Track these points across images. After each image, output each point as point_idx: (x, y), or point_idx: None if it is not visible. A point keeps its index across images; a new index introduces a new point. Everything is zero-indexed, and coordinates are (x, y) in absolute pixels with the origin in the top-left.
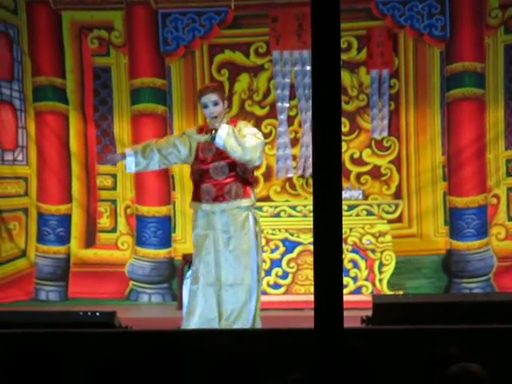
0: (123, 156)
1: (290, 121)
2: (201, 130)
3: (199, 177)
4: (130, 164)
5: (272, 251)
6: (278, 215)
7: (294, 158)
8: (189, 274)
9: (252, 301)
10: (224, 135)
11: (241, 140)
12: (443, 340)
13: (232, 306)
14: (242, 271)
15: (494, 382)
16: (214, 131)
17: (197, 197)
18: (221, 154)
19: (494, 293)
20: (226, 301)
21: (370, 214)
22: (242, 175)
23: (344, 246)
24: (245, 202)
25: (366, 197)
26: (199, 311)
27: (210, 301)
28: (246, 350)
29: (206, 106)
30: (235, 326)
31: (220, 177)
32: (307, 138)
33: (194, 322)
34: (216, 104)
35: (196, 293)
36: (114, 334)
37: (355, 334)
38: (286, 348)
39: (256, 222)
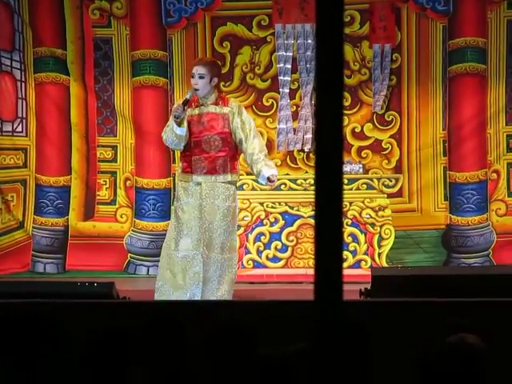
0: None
1: (292, 94)
2: (190, 104)
3: (191, 148)
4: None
5: (271, 224)
6: (278, 188)
7: (295, 131)
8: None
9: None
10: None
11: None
12: (441, 312)
13: (228, 269)
14: (233, 239)
15: (492, 353)
16: (185, 100)
17: (189, 168)
18: (212, 128)
19: (491, 266)
20: (222, 265)
21: (370, 188)
22: (233, 150)
23: (344, 220)
24: (234, 177)
25: (366, 171)
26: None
27: (196, 264)
28: (244, 321)
29: (192, 77)
30: (224, 288)
31: (213, 150)
32: (306, 112)
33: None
34: (201, 77)
35: (176, 256)
36: (112, 304)
37: (354, 306)
38: (285, 319)
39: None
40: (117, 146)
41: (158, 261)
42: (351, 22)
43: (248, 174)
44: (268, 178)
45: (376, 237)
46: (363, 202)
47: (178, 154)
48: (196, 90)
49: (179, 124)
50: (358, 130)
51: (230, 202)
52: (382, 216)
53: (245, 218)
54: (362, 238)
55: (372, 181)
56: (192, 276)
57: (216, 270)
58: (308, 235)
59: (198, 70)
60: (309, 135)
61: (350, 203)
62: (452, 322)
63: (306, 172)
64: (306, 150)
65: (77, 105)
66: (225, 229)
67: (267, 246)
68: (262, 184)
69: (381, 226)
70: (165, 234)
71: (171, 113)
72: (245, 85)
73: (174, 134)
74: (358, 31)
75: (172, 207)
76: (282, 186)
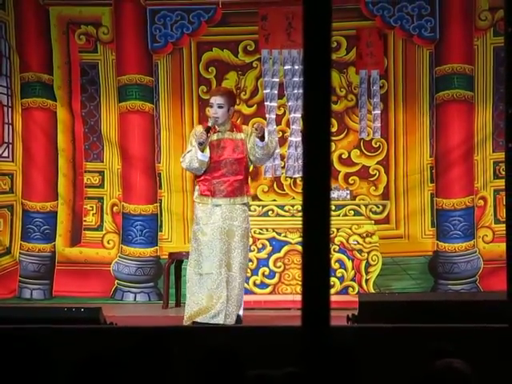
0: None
1: (278, 120)
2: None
3: (210, 172)
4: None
5: (259, 250)
6: (265, 214)
7: (282, 157)
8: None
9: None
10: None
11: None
12: (428, 338)
13: (238, 291)
14: (247, 259)
15: (479, 378)
16: (207, 127)
17: (208, 191)
18: (230, 153)
19: (478, 292)
20: (234, 286)
21: (357, 214)
22: (248, 174)
23: (331, 246)
24: (248, 199)
25: (353, 197)
26: (202, 296)
27: (219, 284)
28: (232, 347)
29: (211, 106)
30: (234, 303)
31: (231, 173)
32: (295, 138)
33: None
34: (220, 107)
35: (200, 279)
36: (99, 329)
37: (342, 332)
38: (273, 345)
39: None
40: (104, 172)
41: (146, 287)
42: (337, 47)
43: None
44: (255, 127)
45: (363, 263)
46: (350, 229)
47: (164, 180)
48: (216, 118)
49: (202, 150)
50: (345, 156)
51: (246, 223)
52: (370, 242)
53: None
54: (349, 264)
55: (359, 207)
56: (217, 296)
57: (234, 289)
58: (295, 261)
59: (217, 100)
60: (299, 162)
61: (338, 229)
62: (438, 348)
63: (293, 198)
64: (292, 176)
65: (64, 130)
66: (242, 249)
67: (255, 272)
68: (259, 145)
69: (368, 253)
70: (152, 261)
71: (194, 140)
72: None
73: (196, 159)
74: (344, 57)
75: (192, 230)
76: (270, 212)
